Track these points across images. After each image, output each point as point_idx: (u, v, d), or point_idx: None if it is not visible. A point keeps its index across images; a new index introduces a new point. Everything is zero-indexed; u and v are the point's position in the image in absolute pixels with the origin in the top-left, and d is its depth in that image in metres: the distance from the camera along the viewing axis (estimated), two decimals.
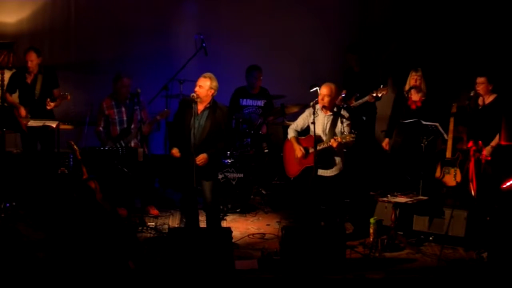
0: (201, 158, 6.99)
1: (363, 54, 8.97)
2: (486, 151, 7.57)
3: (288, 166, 7.50)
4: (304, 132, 7.40)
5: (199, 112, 7.04)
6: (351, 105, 8.53)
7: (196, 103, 7.02)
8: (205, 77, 7.04)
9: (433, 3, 9.47)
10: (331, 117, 7.18)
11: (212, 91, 7.03)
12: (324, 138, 7.14)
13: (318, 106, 7.21)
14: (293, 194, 7.85)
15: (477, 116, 7.68)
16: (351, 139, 6.91)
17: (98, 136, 8.24)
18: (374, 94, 8.33)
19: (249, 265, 6.70)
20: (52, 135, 8.33)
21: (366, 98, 8.44)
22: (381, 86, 8.35)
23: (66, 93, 8.29)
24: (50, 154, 8.37)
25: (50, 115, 8.38)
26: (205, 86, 7.01)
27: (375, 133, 8.95)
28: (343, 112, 7.19)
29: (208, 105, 7.04)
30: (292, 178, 7.46)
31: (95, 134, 8.24)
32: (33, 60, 8.33)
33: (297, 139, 7.33)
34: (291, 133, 7.40)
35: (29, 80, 8.39)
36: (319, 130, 7.19)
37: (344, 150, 7.19)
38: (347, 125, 7.10)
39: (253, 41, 9.63)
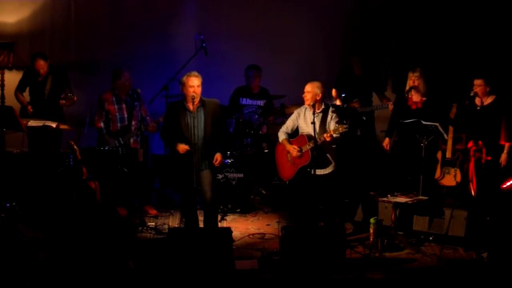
0: (219, 159, 7.07)
1: (367, 56, 8.95)
2: (503, 159, 7.56)
3: (282, 169, 7.52)
4: (294, 134, 7.44)
5: (193, 111, 7.06)
6: (358, 109, 8.53)
7: (186, 103, 7.07)
8: (195, 76, 7.08)
9: (433, 3, 9.46)
10: (320, 115, 7.23)
11: (201, 87, 7.10)
12: (315, 135, 7.17)
13: (306, 106, 7.28)
14: (291, 196, 7.86)
15: (475, 116, 7.68)
16: (343, 129, 6.94)
17: (99, 132, 8.21)
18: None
19: (249, 265, 6.71)
20: (58, 135, 8.37)
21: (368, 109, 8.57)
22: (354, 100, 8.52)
23: (71, 95, 8.32)
24: (54, 154, 8.40)
25: (60, 116, 8.40)
26: (199, 84, 7.06)
27: (376, 133, 8.95)
28: (330, 110, 7.24)
29: (200, 103, 7.07)
30: (287, 182, 7.47)
31: (96, 130, 8.22)
32: (43, 67, 8.45)
33: (288, 141, 7.36)
34: (282, 136, 7.44)
35: (39, 79, 8.48)
36: (309, 129, 7.20)
37: (334, 146, 7.19)
38: (336, 122, 7.15)
39: (253, 41, 9.64)
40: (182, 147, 7.07)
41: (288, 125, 7.45)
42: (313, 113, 7.15)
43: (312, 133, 7.14)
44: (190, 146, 7.04)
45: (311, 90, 7.23)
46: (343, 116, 7.40)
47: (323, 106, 7.27)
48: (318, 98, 7.22)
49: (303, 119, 7.33)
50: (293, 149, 7.25)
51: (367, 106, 8.73)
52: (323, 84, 7.30)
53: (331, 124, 7.14)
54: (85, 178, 7.19)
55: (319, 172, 7.21)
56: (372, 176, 8.53)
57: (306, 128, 7.28)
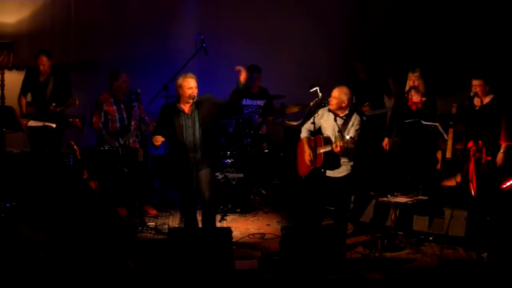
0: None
1: (369, 61, 8.94)
2: (499, 158, 7.55)
3: (299, 165, 7.48)
4: (317, 131, 7.39)
5: (188, 112, 7.07)
6: (365, 113, 8.52)
7: (180, 104, 7.10)
8: (191, 77, 7.11)
9: (432, 4, 9.46)
10: (343, 119, 7.16)
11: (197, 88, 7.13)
12: (333, 139, 7.13)
13: (327, 107, 7.23)
14: (299, 194, 7.84)
15: (474, 116, 7.67)
16: (351, 145, 6.90)
17: (99, 133, 8.20)
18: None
19: (249, 265, 6.70)
20: (59, 135, 8.38)
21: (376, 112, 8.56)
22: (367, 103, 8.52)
23: (75, 99, 8.32)
24: (54, 154, 8.40)
25: (61, 116, 8.40)
26: (196, 85, 7.08)
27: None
28: (354, 116, 7.17)
29: (193, 103, 7.08)
30: (303, 177, 7.43)
31: (95, 131, 8.21)
32: (44, 64, 8.43)
33: (308, 139, 7.31)
34: (304, 133, 7.38)
35: (41, 79, 8.47)
36: (329, 132, 7.19)
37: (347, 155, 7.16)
38: (355, 130, 7.08)
39: (253, 41, 9.64)
40: (156, 138, 7.09)
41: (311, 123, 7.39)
42: (313, 113, 7.12)
43: (331, 137, 7.12)
44: (185, 147, 7.04)
45: (337, 96, 7.16)
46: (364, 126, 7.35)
47: (347, 112, 7.19)
48: (343, 105, 7.16)
49: (325, 121, 7.27)
50: (308, 154, 7.23)
51: (379, 108, 8.71)
52: (350, 90, 7.24)
53: (351, 131, 7.07)
54: (85, 178, 7.20)
55: (333, 174, 7.19)
56: (372, 176, 8.52)
57: (327, 129, 7.24)
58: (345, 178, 7.19)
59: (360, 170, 7.51)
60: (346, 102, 7.16)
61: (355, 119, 7.14)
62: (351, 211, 7.93)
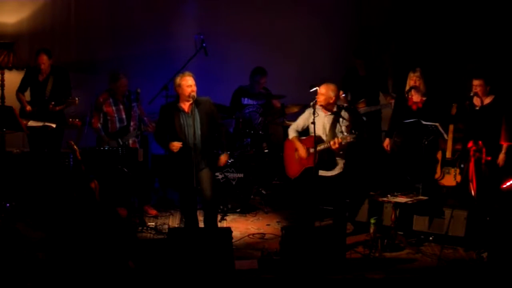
0: (223, 160, 7.22)
1: (369, 58, 8.95)
2: (501, 159, 7.55)
3: (288, 166, 7.49)
4: (304, 132, 7.40)
5: (188, 111, 7.08)
6: (360, 109, 8.52)
7: (179, 103, 7.10)
8: (189, 75, 7.10)
9: (432, 4, 9.47)
10: (332, 117, 7.17)
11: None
12: (324, 138, 7.14)
13: (318, 106, 7.23)
14: (293, 195, 7.84)
15: (474, 116, 7.67)
16: (351, 139, 6.91)
17: (98, 133, 8.21)
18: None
19: (249, 265, 6.71)
20: (59, 135, 8.38)
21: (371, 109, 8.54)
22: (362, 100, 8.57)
23: (74, 97, 8.32)
24: (54, 154, 8.40)
25: (60, 116, 8.40)
26: (194, 83, 7.08)
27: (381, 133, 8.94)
28: (343, 112, 7.18)
29: (193, 102, 7.08)
30: (292, 179, 7.44)
31: (95, 132, 8.22)
32: (45, 63, 8.43)
33: (299, 139, 7.32)
34: (292, 133, 7.39)
35: (41, 79, 8.47)
36: (319, 130, 7.18)
37: (340, 152, 7.17)
38: (346, 126, 7.09)
39: (253, 41, 9.64)
40: (175, 145, 7.07)
41: (299, 123, 7.38)
42: (313, 113, 7.13)
43: (322, 135, 7.12)
44: (186, 147, 7.05)
45: (325, 92, 7.15)
46: (354, 122, 7.35)
47: (335, 109, 7.20)
48: (331, 102, 7.15)
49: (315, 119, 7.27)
50: (302, 149, 7.23)
51: (374, 105, 8.73)
52: (338, 86, 7.24)
53: (343, 128, 7.07)
54: (85, 178, 7.22)
55: (327, 173, 7.19)
56: (373, 176, 8.53)
57: (317, 129, 7.23)
58: (338, 177, 7.19)
59: (353, 169, 7.54)
60: (333, 99, 7.16)
61: (343, 115, 7.15)
62: (350, 210, 7.96)
